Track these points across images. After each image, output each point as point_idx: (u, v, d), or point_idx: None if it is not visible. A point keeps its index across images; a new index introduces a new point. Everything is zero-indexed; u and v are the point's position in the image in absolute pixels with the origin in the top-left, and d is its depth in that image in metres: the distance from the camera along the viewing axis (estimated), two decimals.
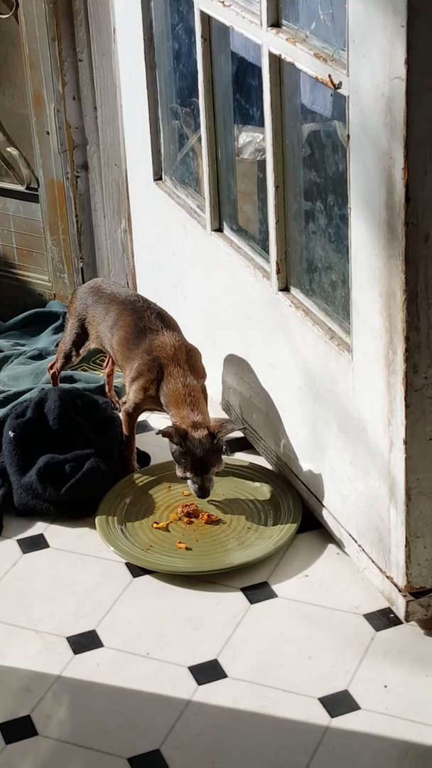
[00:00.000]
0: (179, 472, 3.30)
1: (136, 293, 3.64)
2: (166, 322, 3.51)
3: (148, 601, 3.14)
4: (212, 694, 2.87)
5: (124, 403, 3.49)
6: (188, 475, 3.28)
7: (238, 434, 3.69)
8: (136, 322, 3.49)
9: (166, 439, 3.30)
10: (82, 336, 3.66)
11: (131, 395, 3.45)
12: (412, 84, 2.52)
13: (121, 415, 3.51)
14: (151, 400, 3.44)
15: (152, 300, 3.61)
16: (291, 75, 3.07)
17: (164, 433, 3.28)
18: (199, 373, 3.45)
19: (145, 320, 3.48)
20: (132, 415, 3.48)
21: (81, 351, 3.69)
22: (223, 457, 3.33)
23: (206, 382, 3.50)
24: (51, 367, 3.78)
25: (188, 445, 3.25)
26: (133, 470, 3.54)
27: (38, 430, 3.54)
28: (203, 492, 3.30)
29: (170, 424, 3.33)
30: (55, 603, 3.15)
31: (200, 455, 3.25)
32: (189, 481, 3.31)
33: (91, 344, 3.66)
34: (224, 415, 3.75)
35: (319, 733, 2.75)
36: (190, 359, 3.43)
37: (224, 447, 3.38)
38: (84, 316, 3.63)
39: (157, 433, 3.34)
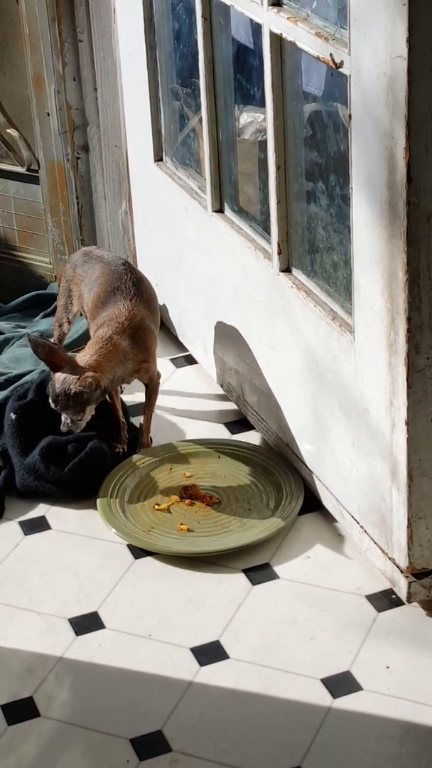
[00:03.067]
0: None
1: (124, 260, 3.61)
2: (141, 290, 3.47)
3: (150, 583, 3.14)
4: (214, 675, 2.87)
5: None
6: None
7: (240, 416, 3.68)
8: (112, 281, 3.47)
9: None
10: (69, 298, 3.66)
11: None
12: (413, 63, 2.50)
13: None
14: None
15: (151, 278, 3.60)
16: (292, 54, 3.05)
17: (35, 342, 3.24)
18: (143, 350, 3.39)
19: (121, 282, 3.46)
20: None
21: (71, 317, 3.67)
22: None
23: (209, 364, 3.46)
24: None
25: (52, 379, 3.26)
26: (146, 444, 3.54)
27: (40, 411, 3.53)
28: (66, 427, 3.31)
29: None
30: (56, 585, 3.15)
31: (53, 395, 3.26)
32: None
33: (74, 306, 3.64)
34: (228, 396, 3.75)
35: (321, 714, 2.75)
36: (137, 331, 3.38)
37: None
38: (72, 277, 3.64)
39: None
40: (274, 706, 2.78)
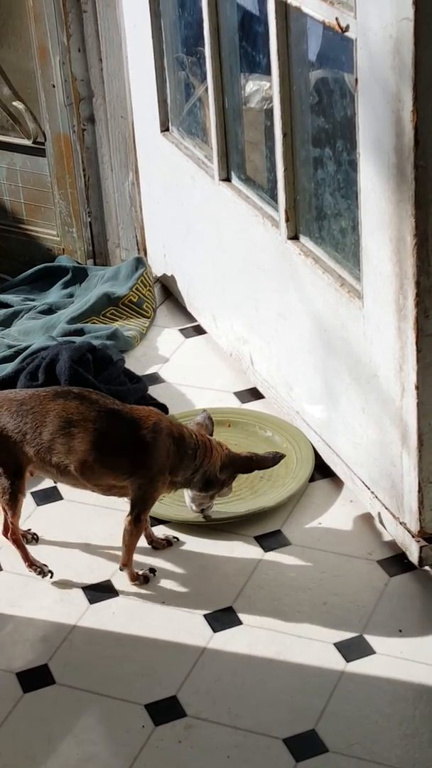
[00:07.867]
0: (220, 496, 3.11)
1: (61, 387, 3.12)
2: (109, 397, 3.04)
3: (163, 551, 3.15)
4: (228, 641, 2.88)
5: (137, 518, 3.00)
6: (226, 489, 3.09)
7: (250, 384, 3.69)
8: (85, 412, 2.93)
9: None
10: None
11: (150, 501, 3.00)
12: (420, 25, 2.49)
13: (127, 526, 3.01)
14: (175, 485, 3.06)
15: (159, 249, 3.59)
16: (297, 20, 3.04)
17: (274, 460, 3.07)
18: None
19: (91, 405, 2.95)
20: (144, 524, 3.04)
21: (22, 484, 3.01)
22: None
23: (218, 334, 3.44)
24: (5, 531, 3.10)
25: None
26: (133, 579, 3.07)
27: None
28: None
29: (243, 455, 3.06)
30: (69, 554, 3.17)
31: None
32: (212, 502, 3.13)
33: (31, 470, 3.01)
34: (238, 365, 3.75)
35: (335, 678, 2.77)
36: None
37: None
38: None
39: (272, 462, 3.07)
40: (288, 671, 2.80)
